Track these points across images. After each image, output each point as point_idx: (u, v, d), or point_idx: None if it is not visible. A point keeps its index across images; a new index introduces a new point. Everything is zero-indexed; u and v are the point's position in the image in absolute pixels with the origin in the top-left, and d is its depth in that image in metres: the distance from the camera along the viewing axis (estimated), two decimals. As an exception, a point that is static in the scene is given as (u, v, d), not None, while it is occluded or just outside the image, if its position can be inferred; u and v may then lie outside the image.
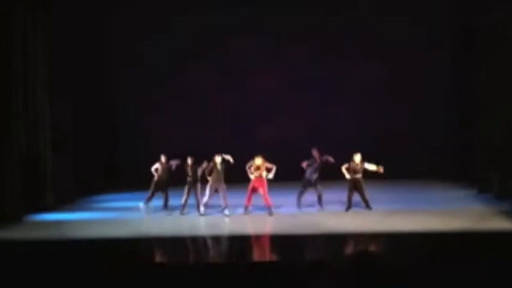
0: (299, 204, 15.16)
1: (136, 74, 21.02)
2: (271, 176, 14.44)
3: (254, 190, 14.47)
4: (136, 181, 16.25)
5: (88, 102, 19.29)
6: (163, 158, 15.28)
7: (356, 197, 14.84)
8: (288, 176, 15.60)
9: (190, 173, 14.89)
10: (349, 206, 14.69)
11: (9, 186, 15.00)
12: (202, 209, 14.65)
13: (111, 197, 18.85)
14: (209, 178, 14.61)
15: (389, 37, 20.19)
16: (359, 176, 14.51)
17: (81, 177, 18.83)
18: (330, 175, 15.62)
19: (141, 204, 15.22)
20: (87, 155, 19.20)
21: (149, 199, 15.24)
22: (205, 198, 14.59)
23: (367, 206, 14.65)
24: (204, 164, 14.64)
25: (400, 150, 20.18)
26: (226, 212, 14.55)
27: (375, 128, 20.53)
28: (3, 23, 15.01)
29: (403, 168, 19.59)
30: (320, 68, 20.70)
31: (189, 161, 14.97)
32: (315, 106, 20.88)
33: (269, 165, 14.46)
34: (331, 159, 14.83)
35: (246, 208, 14.62)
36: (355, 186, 14.57)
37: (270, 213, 14.46)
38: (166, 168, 15.17)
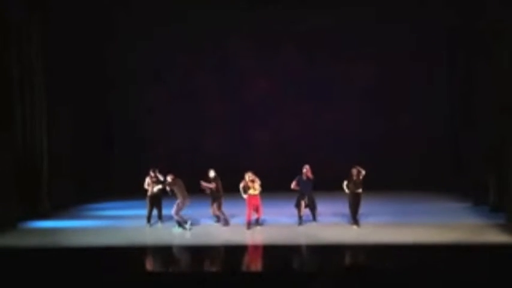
0: (300, 217, 14.91)
1: (134, 76, 20.99)
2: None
3: (255, 208, 14.42)
4: (133, 186, 16.11)
5: (85, 107, 19.27)
6: (151, 172, 15.05)
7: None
8: (283, 181, 15.54)
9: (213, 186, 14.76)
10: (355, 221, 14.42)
11: (4, 193, 14.97)
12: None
13: (107, 205, 18.79)
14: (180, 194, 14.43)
15: (387, 39, 20.23)
16: (359, 190, 14.31)
17: (78, 184, 18.80)
18: (326, 187, 15.65)
19: (147, 227, 14.99)
20: (84, 161, 19.17)
21: (149, 218, 15.00)
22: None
23: (355, 220, 14.33)
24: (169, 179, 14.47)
25: (397, 155, 20.21)
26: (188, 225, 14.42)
27: (371, 131, 20.52)
28: (1, 28, 15.03)
29: (400, 178, 19.64)
30: (317, 71, 20.74)
31: (212, 173, 14.79)
32: (312, 108, 20.91)
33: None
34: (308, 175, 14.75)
35: (249, 224, 14.43)
36: (354, 200, 14.33)
37: (260, 224, 14.59)
38: (157, 181, 15.03)
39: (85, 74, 19.25)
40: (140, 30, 20.73)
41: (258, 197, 14.40)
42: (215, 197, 14.77)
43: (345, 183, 14.38)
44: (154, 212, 15.08)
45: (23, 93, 16.04)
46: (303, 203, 14.73)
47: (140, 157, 20.15)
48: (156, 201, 15.00)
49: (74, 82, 18.54)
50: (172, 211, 14.33)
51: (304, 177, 14.64)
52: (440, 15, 19.61)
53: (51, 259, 12.25)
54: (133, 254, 12.84)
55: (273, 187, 15.78)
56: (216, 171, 14.86)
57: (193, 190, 14.71)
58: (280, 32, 20.64)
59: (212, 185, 14.60)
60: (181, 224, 14.41)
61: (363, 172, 14.23)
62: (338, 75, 20.68)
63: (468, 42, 17.70)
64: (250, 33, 20.75)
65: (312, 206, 14.85)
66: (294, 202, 14.85)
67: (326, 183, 15.69)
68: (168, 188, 14.47)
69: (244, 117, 21.09)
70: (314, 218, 14.93)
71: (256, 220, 14.56)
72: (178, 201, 14.31)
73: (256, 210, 14.45)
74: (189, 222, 14.34)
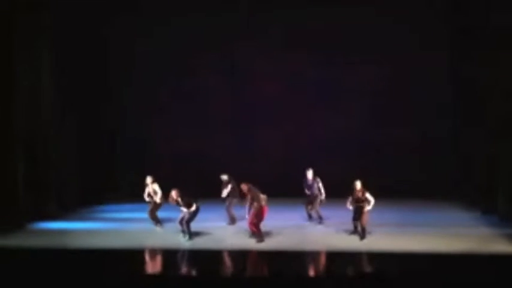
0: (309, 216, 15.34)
1: (138, 78, 21.00)
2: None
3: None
4: (139, 188, 16.10)
5: (90, 109, 19.29)
6: (149, 180, 15.02)
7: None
8: (289, 186, 15.50)
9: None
10: (355, 231, 13.93)
11: (12, 194, 15.01)
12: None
13: (113, 207, 18.79)
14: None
15: (392, 42, 20.11)
16: (362, 205, 13.60)
17: (84, 186, 18.84)
18: (331, 192, 15.61)
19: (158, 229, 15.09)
20: (89, 163, 19.20)
21: (158, 224, 15.13)
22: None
23: (363, 234, 13.72)
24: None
25: (403, 161, 20.08)
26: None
27: (376, 136, 20.33)
28: (8, 32, 15.09)
29: (407, 185, 19.49)
30: (322, 73, 20.65)
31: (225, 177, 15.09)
32: (316, 111, 20.84)
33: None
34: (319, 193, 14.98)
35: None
36: (357, 211, 13.73)
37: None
38: (151, 190, 14.99)
39: (90, 77, 19.24)
40: (144, 31, 20.71)
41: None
42: (233, 198, 15.07)
43: (349, 200, 13.82)
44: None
45: (31, 97, 16.10)
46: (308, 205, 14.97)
47: (146, 160, 20.13)
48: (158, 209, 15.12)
49: (79, 85, 18.56)
50: (182, 219, 13.81)
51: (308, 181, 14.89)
52: (443, 17, 19.52)
53: (57, 260, 12.28)
54: (139, 257, 12.85)
55: (279, 192, 15.71)
56: (220, 174, 14.99)
57: (199, 194, 14.61)
58: (286, 34, 20.56)
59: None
60: (185, 232, 13.89)
61: (366, 196, 13.63)
62: (343, 78, 20.59)
63: (471, 44, 17.62)
64: (256, 35, 20.68)
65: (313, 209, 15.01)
66: (299, 207, 15.03)
67: (331, 188, 15.58)
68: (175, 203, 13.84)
69: (249, 120, 21.03)
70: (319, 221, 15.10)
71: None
72: (187, 210, 13.76)
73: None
74: (187, 236, 13.76)
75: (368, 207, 13.56)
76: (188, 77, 21.03)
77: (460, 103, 19.20)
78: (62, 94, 17.53)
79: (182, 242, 13.72)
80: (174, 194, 13.61)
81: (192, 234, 13.71)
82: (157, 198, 14.96)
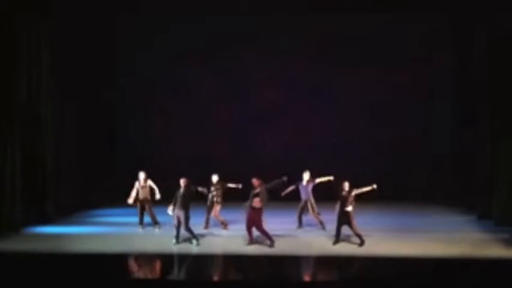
0: (300, 223, 15.31)
1: (138, 82, 21.04)
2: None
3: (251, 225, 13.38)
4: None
5: (89, 113, 19.30)
6: (142, 176, 15.25)
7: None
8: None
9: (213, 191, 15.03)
10: (337, 239, 13.52)
11: (8, 197, 15.00)
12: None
13: (111, 211, 18.77)
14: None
15: (391, 44, 20.24)
16: (348, 209, 13.23)
17: (82, 190, 18.82)
18: (332, 197, 15.65)
19: (140, 230, 15.31)
20: (88, 167, 19.19)
21: (141, 222, 15.36)
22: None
23: (361, 240, 13.45)
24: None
25: (401, 166, 20.15)
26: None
27: (376, 142, 20.44)
28: (9, 29, 15.11)
29: (404, 189, 19.62)
30: (322, 78, 20.76)
31: (214, 178, 15.13)
32: (316, 116, 20.91)
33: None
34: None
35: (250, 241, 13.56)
36: (344, 219, 13.34)
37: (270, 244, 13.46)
38: (146, 187, 15.20)
39: (91, 80, 19.27)
40: (145, 35, 20.78)
41: (258, 212, 13.42)
42: (218, 202, 15.06)
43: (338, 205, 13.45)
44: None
45: (30, 98, 16.12)
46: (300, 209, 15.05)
47: (144, 164, 20.13)
48: (147, 206, 15.19)
49: (80, 88, 18.60)
50: (187, 226, 13.59)
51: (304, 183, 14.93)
52: (443, 17, 19.61)
53: (53, 265, 12.27)
54: (135, 261, 12.85)
55: (277, 196, 15.72)
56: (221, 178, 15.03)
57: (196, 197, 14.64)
58: (286, 39, 20.62)
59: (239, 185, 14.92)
60: (194, 237, 13.64)
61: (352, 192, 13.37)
62: (342, 80, 20.69)
63: (471, 44, 17.68)
64: (255, 41, 20.74)
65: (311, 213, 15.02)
66: (296, 210, 15.10)
67: (329, 192, 15.58)
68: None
69: (248, 125, 21.08)
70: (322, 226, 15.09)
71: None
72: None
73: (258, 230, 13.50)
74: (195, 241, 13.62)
75: (349, 209, 13.23)
76: (188, 79, 21.09)
77: (462, 111, 19.04)
78: (62, 95, 17.55)
79: (192, 247, 13.56)
80: (182, 182, 13.58)
81: (196, 237, 13.65)
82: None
